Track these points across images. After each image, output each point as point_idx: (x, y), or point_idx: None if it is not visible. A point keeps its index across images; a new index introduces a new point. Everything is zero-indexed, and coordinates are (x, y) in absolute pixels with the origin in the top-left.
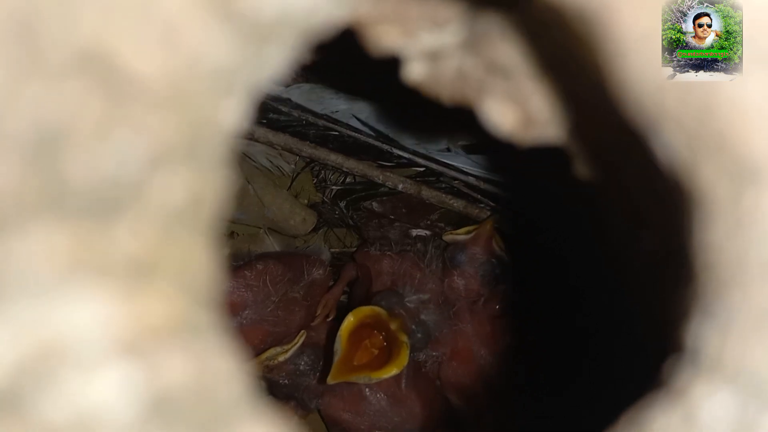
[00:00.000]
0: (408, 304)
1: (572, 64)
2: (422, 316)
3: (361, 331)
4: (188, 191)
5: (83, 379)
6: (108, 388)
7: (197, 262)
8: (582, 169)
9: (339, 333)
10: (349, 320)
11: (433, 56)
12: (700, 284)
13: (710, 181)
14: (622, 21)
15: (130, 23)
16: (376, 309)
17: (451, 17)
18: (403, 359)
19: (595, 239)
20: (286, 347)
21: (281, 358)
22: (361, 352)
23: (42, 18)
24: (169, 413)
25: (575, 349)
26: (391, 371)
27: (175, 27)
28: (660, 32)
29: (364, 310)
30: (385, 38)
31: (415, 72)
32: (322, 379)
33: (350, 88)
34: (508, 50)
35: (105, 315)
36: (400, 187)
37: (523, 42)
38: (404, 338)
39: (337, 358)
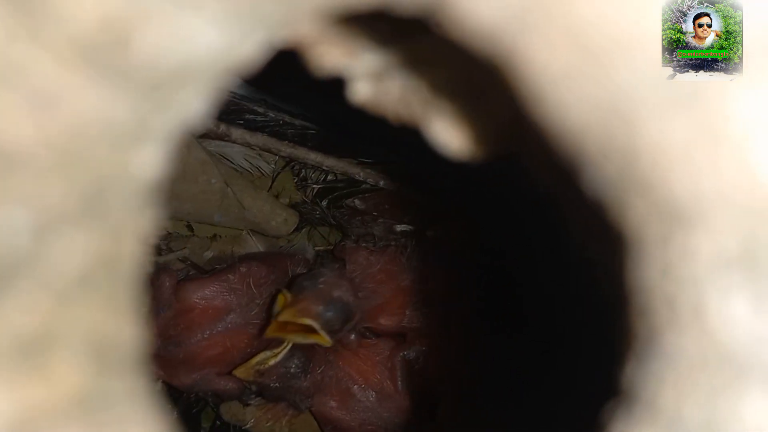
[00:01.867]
0: (320, 285)
1: (502, 93)
2: (335, 294)
3: None
4: (91, 253)
5: None
6: None
7: (109, 324)
8: (540, 179)
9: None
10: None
11: (378, 76)
12: (634, 328)
13: (640, 221)
14: (536, 63)
15: None
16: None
17: (388, 38)
18: (321, 338)
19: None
20: (275, 351)
21: (271, 362)
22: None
23: None
24: None
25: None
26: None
27: (49, 93)
28: (577, 70)
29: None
30: (328, 59)
31: (360, 92)
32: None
33: (301, 108)
34: (445, 73)
35: None
36: (382, 183)
37: (457, 67)
38: (306, 321)
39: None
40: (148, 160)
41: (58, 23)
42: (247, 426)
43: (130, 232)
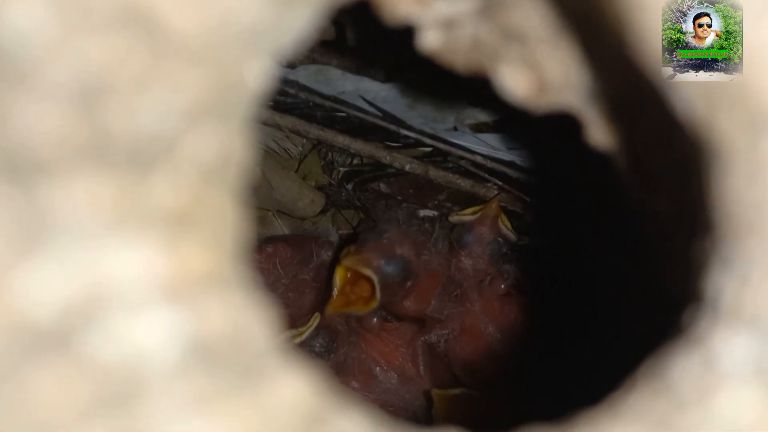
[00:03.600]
0: (383, 240)
1: (590, 21)
2: (397, 250)
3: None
4: (219, 148)
5: (129, 323)
6: (152, 332)
7: (227, 218)
8: (595, 135)
9: (335, 272)
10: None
11: (448, 24)
12: (719, 234)
13: (727, 132)
14: None
15: None
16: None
17: None
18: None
19: (607, 207)
20: (300, 330)
21: (297, 341)
22: (354, 287)
23: None
24: (207, 359)
25: (585, 315)
26: (372, 305)
27: None
28: None
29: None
30: (401, 7)
31: (430, 40)
32: (321, 310)
33: (360, 65)
34: (523, 14)
35: (149, 262)
36: (408, 167)
37: (540, 4)
38: (367, 272)
39: (334, 293)
40: (257, 73)
41: None
42: None
43: (239, 139)
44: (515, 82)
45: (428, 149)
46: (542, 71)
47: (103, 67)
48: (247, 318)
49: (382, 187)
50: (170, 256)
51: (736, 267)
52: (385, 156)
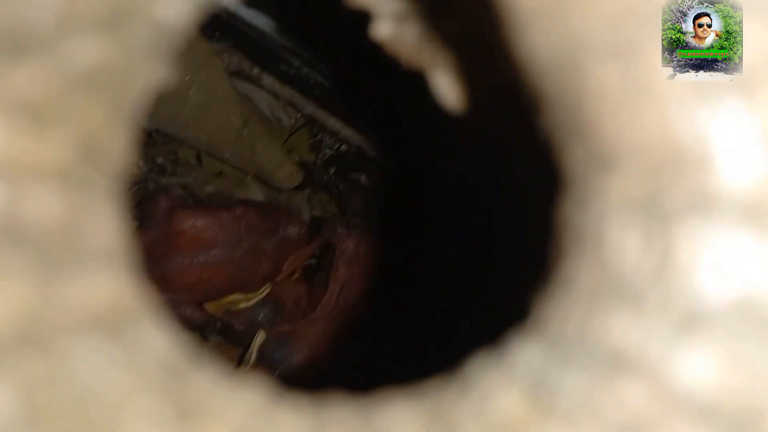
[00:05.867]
0: None
1: (488, 39)
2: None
3: None
4: (101, 58)
5: None
6: None
7: (101, 129)
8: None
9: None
10: None
11: (400, 19)
12: (547, 255)
13: (575, 163)
14: None
15: None
16: None
17: None
18: None
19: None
20: (249, 296)
21: (242, 305)
22: None
23: None
24: (16, 237)
25: None
26: None
27: None
28: (546, 10)
29: None
30: None
31: (383, 30)
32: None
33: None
34: (458, 27)
35: None
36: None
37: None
38: None
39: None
40: (173, 9)
41: None
42: None
43: (139, 64)
44: (448, 88)
45: None
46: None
47: None
48: (87, 219)
49: (363, 179)
50: (11, 138)
51: (554, 290)
52: (371, 149)
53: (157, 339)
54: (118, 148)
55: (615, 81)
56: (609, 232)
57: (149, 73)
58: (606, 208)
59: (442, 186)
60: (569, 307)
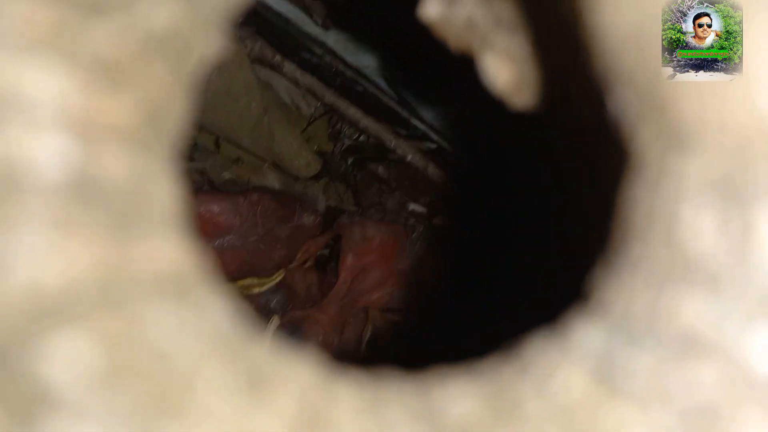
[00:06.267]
0: None
1: (555, 17)
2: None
3: None
4: (171, 23)
5: (23, 132)
6: (44, 148)
7: (165, 95)
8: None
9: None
10: None
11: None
12: (611, 236)
13: (645, 142)
14: None
15: None
16: None
17: None
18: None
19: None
20: (263, 281)
21: (256, 290)
22: None
23: None
24: (91, 195)
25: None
26: None
27: None
28: None
29: None
30: None
31: (431, 10)
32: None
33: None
34: (510, 8)
35: (64, 90)
36: (409, 158)
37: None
38: None
39: None
40: None
41: None
42: None
43: (203, 31)
44: (497, 73)
45: (433, 146)
46: (522, 68)
47: None
48: (151, 180)
49: (381, 170)
50: (87, 96)
51: (619, 270)
52: (390, 140)
53: (219, 307)
54: (178, 116)
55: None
56: (683, 213)
57: (209, 43)
58: (681, 189)
59: (504, 169)
60: (636, 289)
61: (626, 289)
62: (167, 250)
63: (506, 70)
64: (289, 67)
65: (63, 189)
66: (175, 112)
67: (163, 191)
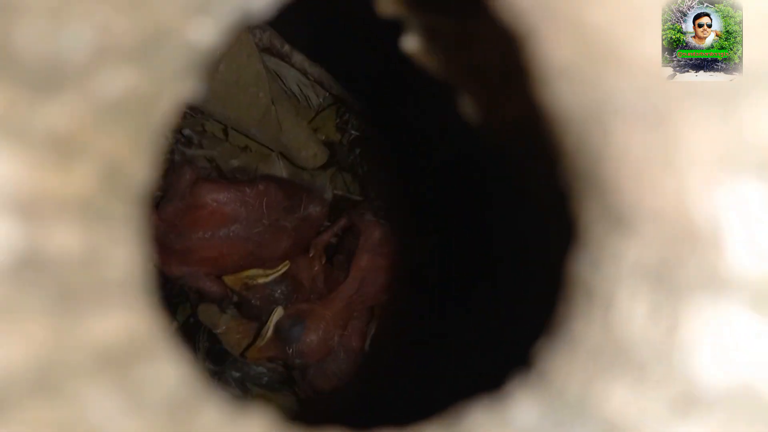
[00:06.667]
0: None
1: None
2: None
3: None
4: (131, 87)
5: None
6: None
7: (125, 156)
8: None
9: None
10: None
11: (430, 34)
12: (557, 309)
13: (590, 219)
14: (548, 49)
15: None
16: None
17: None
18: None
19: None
20: (268, 271)
21: (260, 281)
22: None
23: None
24: (36, 275)
25: None
26: None
27: None
28: (577, 65)
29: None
30: (392, 8)
31: (413, 42)
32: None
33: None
34: (483, 52)
35: (9, 174)
36: None
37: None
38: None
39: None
40: (206, 31)
41: None
42: (217, 331)
43: (168, 88)
44: (470, 108)
45: None
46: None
47: None
48: (108, 252)
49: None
50: (38, 175)
51: (559, 345)
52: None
53: (168, 373)
54: (141, 173)
55: (637, 145)
56: (619, 296)
57: (177, 93)
58: (618, 271)
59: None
60: (574, 366)
61: (566, 365)
62: (117, 320)
63: (476, 110)
64: (298, 57)
65: (4, 274)
66: (136, 170)
67: (119, 258)
